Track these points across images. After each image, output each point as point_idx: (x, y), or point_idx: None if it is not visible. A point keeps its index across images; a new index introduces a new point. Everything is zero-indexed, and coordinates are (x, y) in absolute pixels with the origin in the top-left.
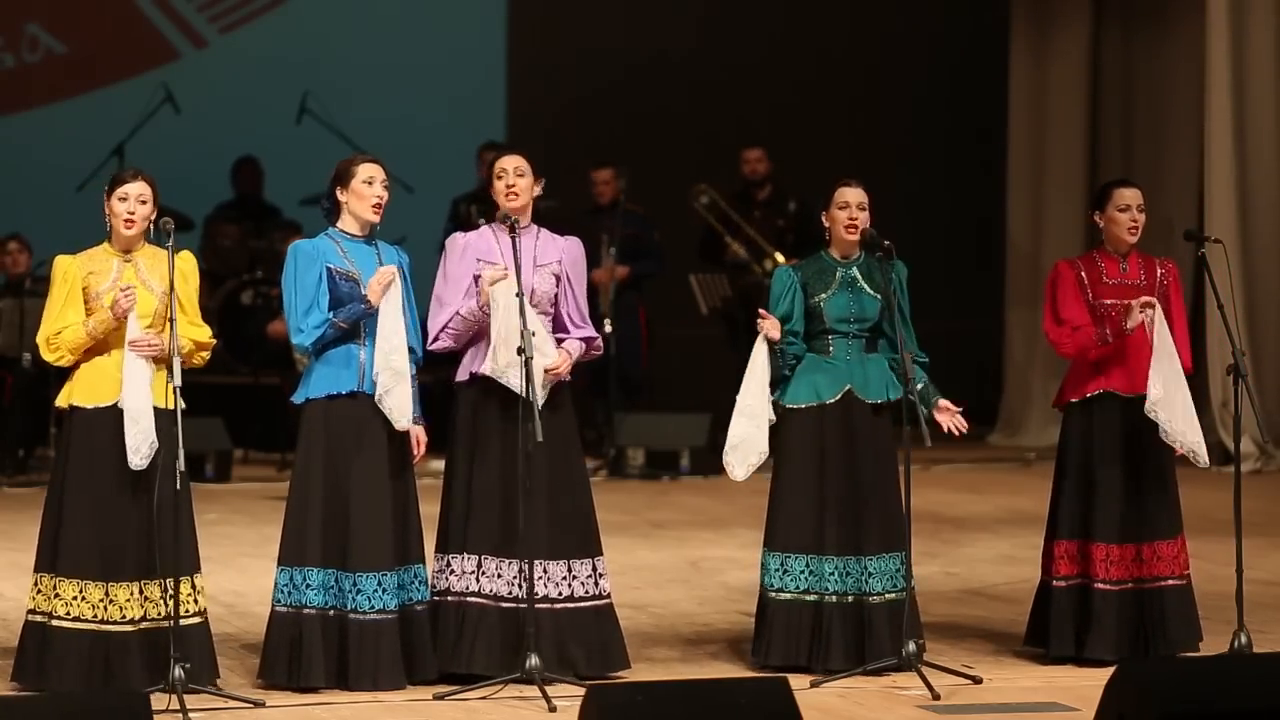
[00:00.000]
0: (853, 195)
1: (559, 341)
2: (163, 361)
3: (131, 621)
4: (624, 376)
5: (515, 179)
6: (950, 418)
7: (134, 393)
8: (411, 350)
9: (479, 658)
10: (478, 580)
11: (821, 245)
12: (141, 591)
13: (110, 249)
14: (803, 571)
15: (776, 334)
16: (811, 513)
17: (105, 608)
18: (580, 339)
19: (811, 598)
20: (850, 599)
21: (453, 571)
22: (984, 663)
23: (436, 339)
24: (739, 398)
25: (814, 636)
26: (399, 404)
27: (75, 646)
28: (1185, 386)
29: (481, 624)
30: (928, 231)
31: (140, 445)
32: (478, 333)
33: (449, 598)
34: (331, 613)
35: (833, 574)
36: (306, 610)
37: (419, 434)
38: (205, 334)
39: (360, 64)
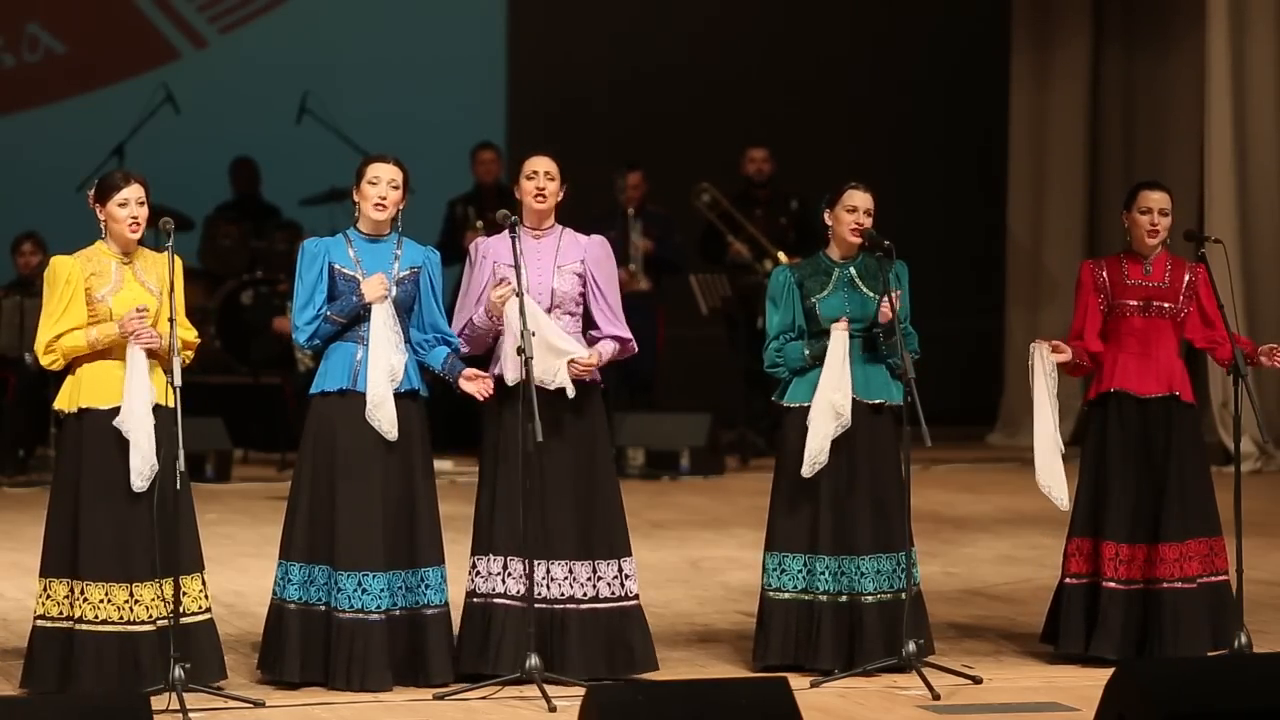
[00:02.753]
0: (861, 200)
1: (592, 341)
2: (161, 359)
3: (152, 621)
4: (635, 374)
5: (546, 182)
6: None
7: (135, 413)
8: (447, 341)
9: (506, 660)
10: (504, 581)
11: (822, 245)
12: (144, 593)
13: (107, 250)
14: (800, 571)
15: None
16: (808, 512)
17: (131, 608)
18: (613, 338)
19: (807, 597)
20: (843, 599)
21: (479, 573)
22: (984, 663)
23: None
24: (836, 400)
25: (807, 636)
26: (387, 416)
27: (105, 649)
28: (1059, 442)
29: (508, 626)
30: (928, 232)
31: (142, 468)
32: (496, 338)
33: (475, 598)
34: (321, 608)
35: (824, 573)
36: (288, 605)
37: (470, 381)
38: (192, 334)
39: (360, 64)
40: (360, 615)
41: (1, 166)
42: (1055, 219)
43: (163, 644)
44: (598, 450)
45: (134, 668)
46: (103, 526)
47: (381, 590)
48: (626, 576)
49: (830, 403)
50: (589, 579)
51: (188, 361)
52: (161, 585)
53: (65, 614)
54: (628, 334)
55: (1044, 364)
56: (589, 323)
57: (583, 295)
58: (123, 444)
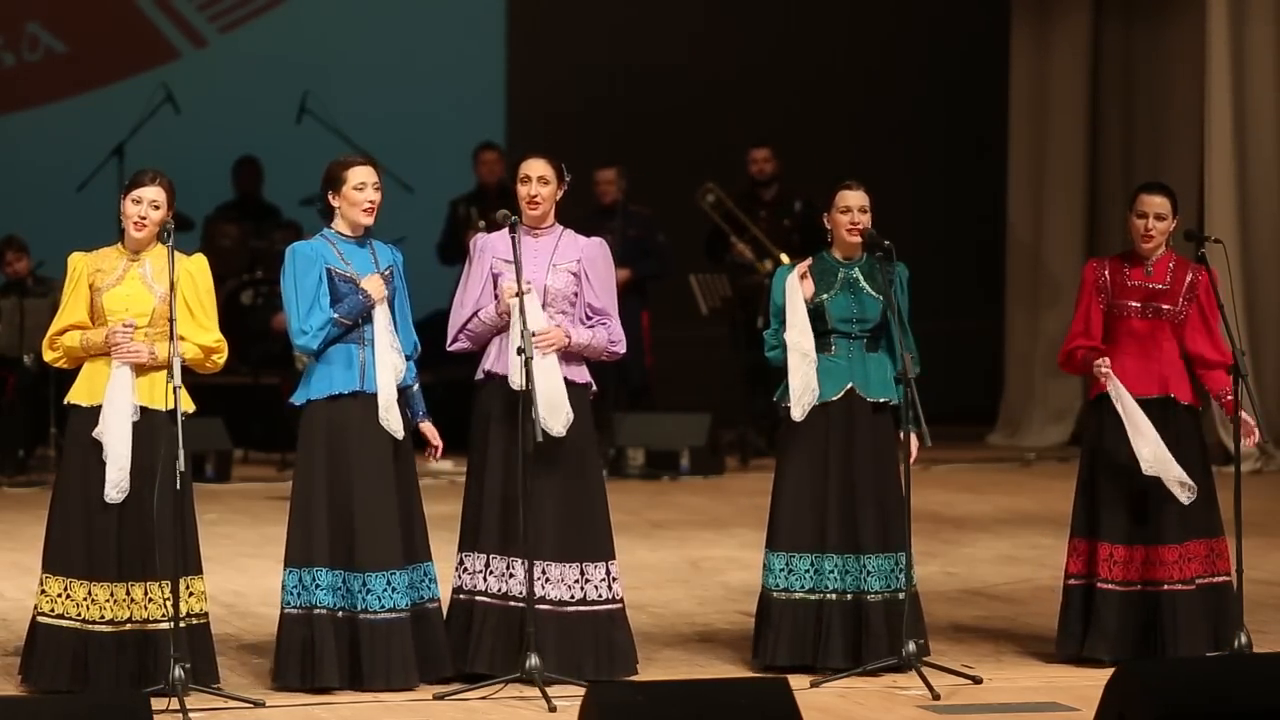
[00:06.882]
0: (854, 199)
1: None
2: (159, 366)
3: (112, 623)
4: (626, 380)
5: (539, 188)
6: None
7: (114, 426)
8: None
9: (483, 657)
10: (485, 579)
11: (824, 245)
12: (128, 593)
13: (121, 249)
14: (806, 570)
15: (808, 285)
16: (814, 511)
17: (87, 607)
18: (601, 325)
19: (815, 597)
20: (849, 597)
21: (465, 569)
22: (984, 663)
23: (455, 339)
24: (791, 339)
25: (816, 635)
26: (396, 416)
27: (57, 644)
28: (1160, 441)
29: (486, 623)
30: (928, 231)
31: (119, 480)
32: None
33: (460, 595)
34: (341, 614)
35: (833, 572)
36: (318, 611)
37: (430, 432)
38: (211, 339)
39: (360, 64)
40: (394, 615)
41: (1, 166)
42: (1055, 216)
43: (121, 648)
44: (585, 452)
45: (83, 668)
46: (72, 522)
47: (406, 586)
48: (614, 579)
49: (798, 346)
50: (576, 581)
51: (217, 367)
52: (130, 588)
53: (39, 607)
54: (618, 331)
55: (1119, 390)
56: (576, 317)
57: (577, 294)
58: (98, 443)
